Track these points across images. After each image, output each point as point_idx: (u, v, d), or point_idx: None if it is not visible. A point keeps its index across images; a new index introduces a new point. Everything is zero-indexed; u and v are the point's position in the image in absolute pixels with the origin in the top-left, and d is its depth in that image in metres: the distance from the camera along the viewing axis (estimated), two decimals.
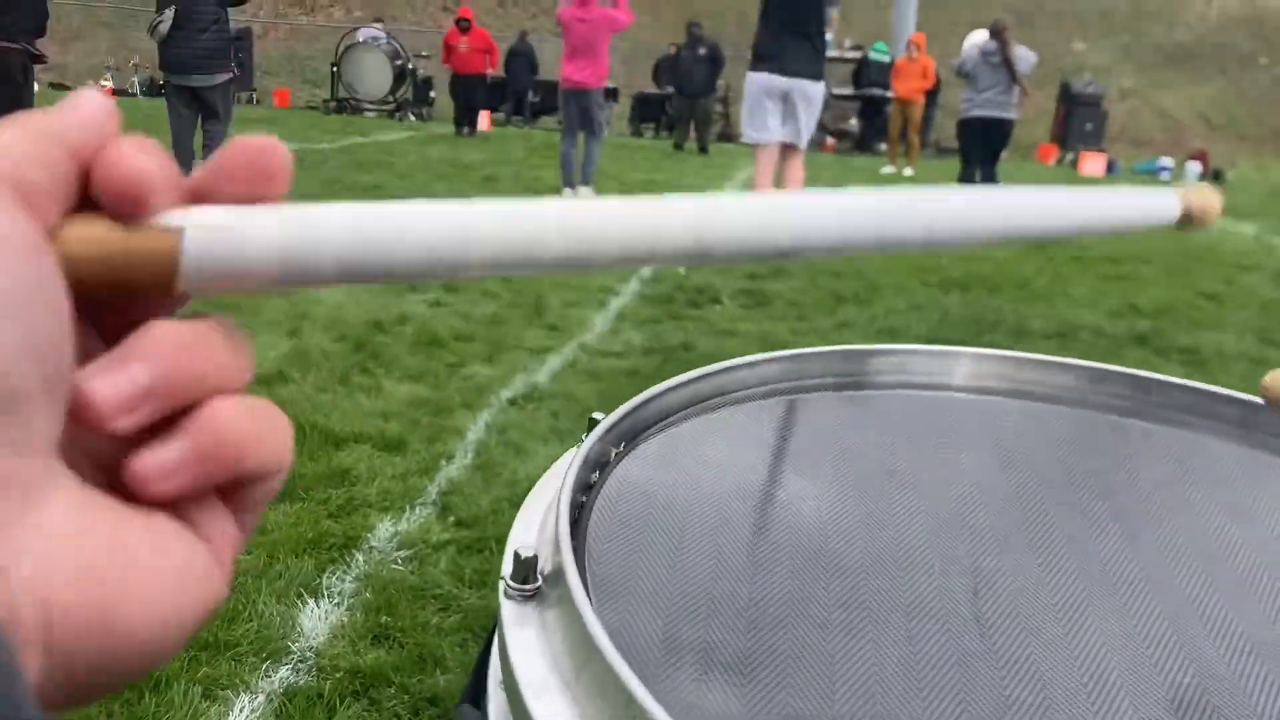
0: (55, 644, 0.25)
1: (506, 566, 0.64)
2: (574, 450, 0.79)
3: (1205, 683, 0.61)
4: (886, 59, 18.06)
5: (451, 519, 2.72)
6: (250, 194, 0.30)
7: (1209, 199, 0.53)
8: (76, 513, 0.26)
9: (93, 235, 0.28)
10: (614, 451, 0.87)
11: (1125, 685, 0.60)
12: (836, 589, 0.70)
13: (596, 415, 0.86)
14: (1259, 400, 1.03)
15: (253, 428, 0.29)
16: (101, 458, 0.29)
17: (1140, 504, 0.87)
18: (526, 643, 0.59)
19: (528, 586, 0.63)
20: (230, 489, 0.30)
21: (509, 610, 0.62)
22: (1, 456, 0.24)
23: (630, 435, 0.91)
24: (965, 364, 1.11)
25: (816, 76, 6.57)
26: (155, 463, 0.28)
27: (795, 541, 0.77)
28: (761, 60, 6.58)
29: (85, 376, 0.27)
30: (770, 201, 0.36)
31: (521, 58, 18.45)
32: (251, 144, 0.30)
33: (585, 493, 0.79)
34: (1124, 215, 0.48)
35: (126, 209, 0.28)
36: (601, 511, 0.77)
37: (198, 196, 0.30)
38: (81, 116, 0.28)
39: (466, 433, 3.32)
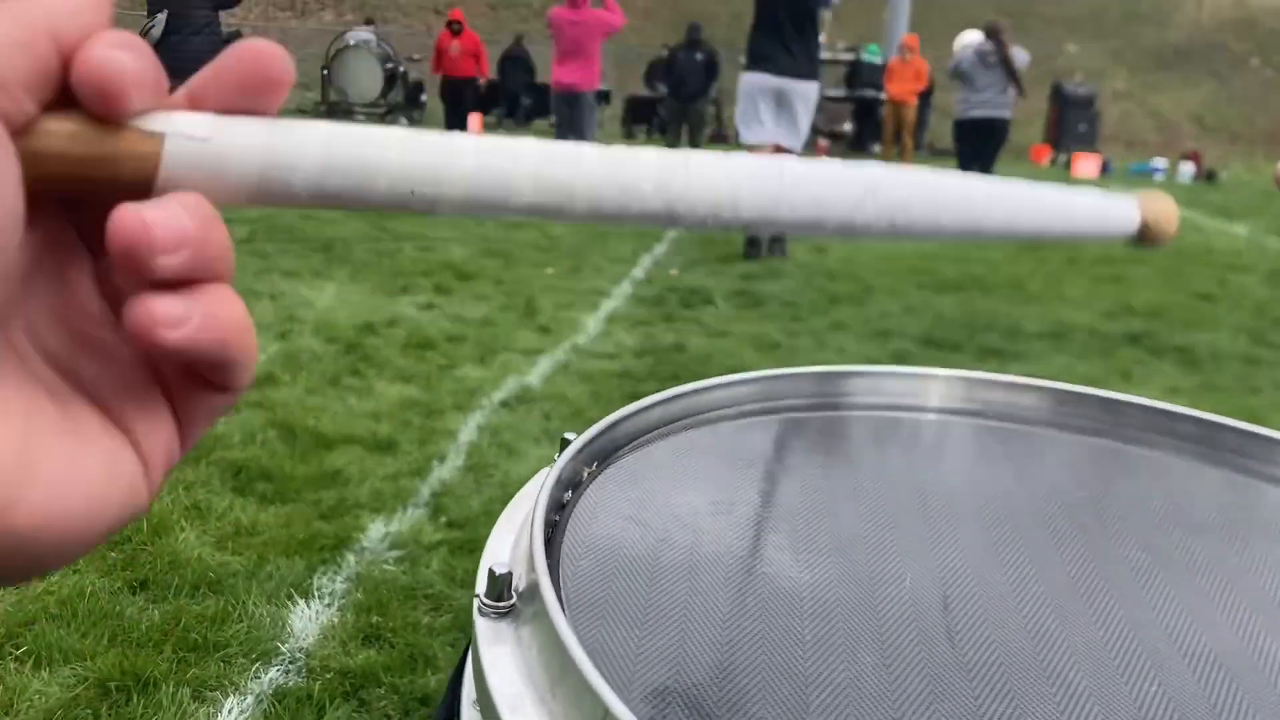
0: None
1: (481, 584, 0.64)
2: (547, 469, 0.80)
3: (1171, 694, 0.61)
4: (879, 61, 18.11)
5: (443, 520, 2.71)
6: (247, 101, 0.29)
7: (1167, 208, 0.52)
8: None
9: (69, 132, 0.27)
10: (586, 471, 0.87)
11: (1093, 695, 0.61)
12: (809, 605, 0.70)
13: (569, 435, 0.86)
14: (1221, 420, 1.04)
15: (246, 323, 0.29)
16: (56, 355, 0.29)
17: (1107, 522, 0.87)
18: (501, 660, 0.59)
19: (502, 604, 0.63)
20: (189, 389, 0.30)
21: (483, 627, 0.62)
22: None
23: (603, 455, 0.91)
24: (936, 386, 1.12)
25: (810, 77, 6.59)
26: (165, 309, 0.27)
27: (768, 560, 0.77)
28: (756, 61, 6.60)
29: (138, 206, 0.27)
30: (735, 165, 0.35)
31: (517, 61, 18.46)
32: (252, 49, 0.30)
33: (559, 511, 0.80)
34: (1082, 218, 0.47)
35: (99, 106, 0.27)
36: (575, 530, 0.77)
37: (193, 101, 0.30)
38: (72, 4, 0.27)
39: (458, 434, 3.31)
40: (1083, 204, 0.46)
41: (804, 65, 6.54)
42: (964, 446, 1.06)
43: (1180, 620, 0.71)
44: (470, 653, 0.63)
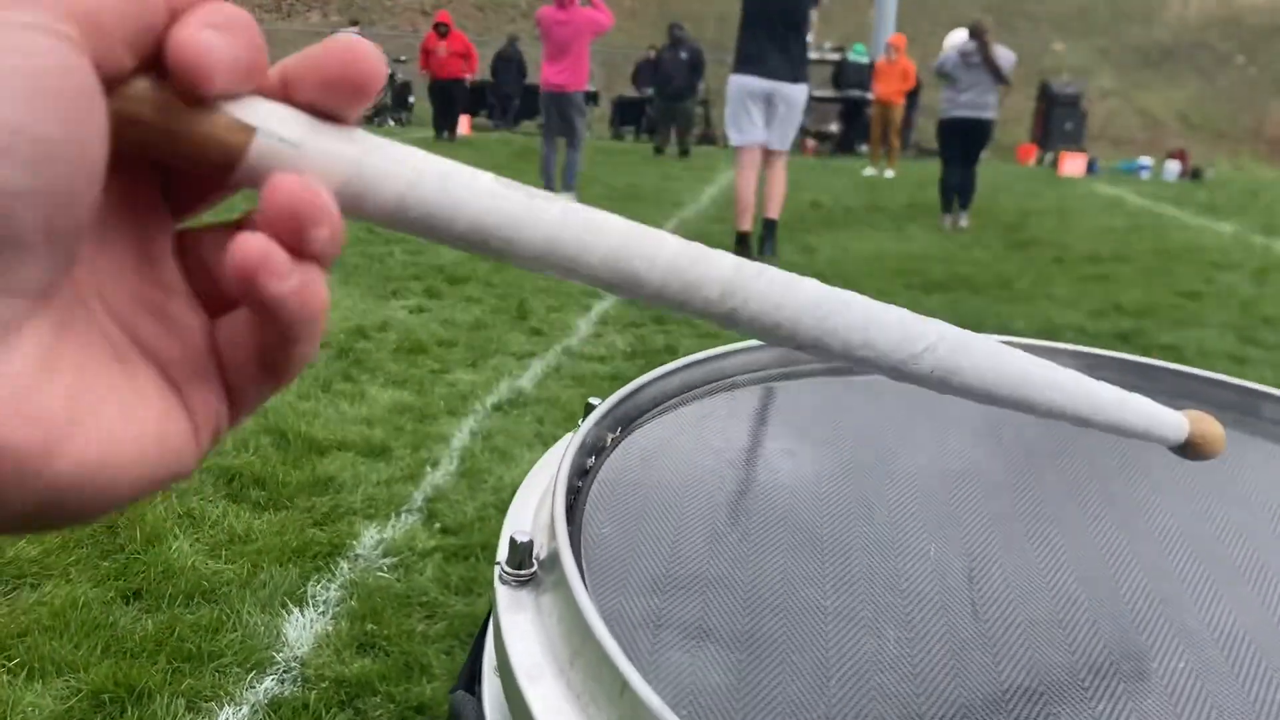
0: None
1: (502, 552, 0.64)
2: (570, 435, 0.79)
3: (1197, 669, 0.61)
4: (865, 60, 18.13)
5: (437, 526, 2.70)
6: (332, 99, 0.29)
7: (1214, 430, 0.56)
8: (40, 355, 0.26)
9: (159, 100, 0.27)
10: (610, 437, 0.87)
11: (1119, 670, 0.61)
12: (831, 572, 0.69)
13: (593, 400, 0.86)
14: (1260, 388, 1.04)
15: (327, 310, 0.30)
16: (122, 312, 0.29)
17: (1133, 488, 0.87)
18: (521, 628, 0.59)
19: (523, 572, 0.63)
20: (244, 368, 0.31)
21: (504, 596, 0.62)
22: None
23: (626, 421, 0.91)
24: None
25: (798, 79, 6.60)
26: (278, 259, 0.27)
27: (790, 526, 0.77)
28: (743, 63, 6.60)
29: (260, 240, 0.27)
30: (808, 291, 0.36)
31: (510, 62, 18.43)
32: (350, 48, 0.29)
33: (581, 478, 0.79)
34: (1133, 418, 0.49)
35: (183, 86, 0.27)
36: (597, 497, 0.77)
37: (285, 85, 0.29)
38: None
39: (451, 439, 3.31)
40: (1135, 406, 0.47)
41: (792, 67, 6.56)
42: (991, 414, 1.05)
43: (1208, 596, 0.70)
44: (491, 620, 0.63)
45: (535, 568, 0.63)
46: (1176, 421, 0.51)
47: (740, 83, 6.61)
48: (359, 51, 0.29)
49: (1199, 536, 0.79)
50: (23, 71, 0.24)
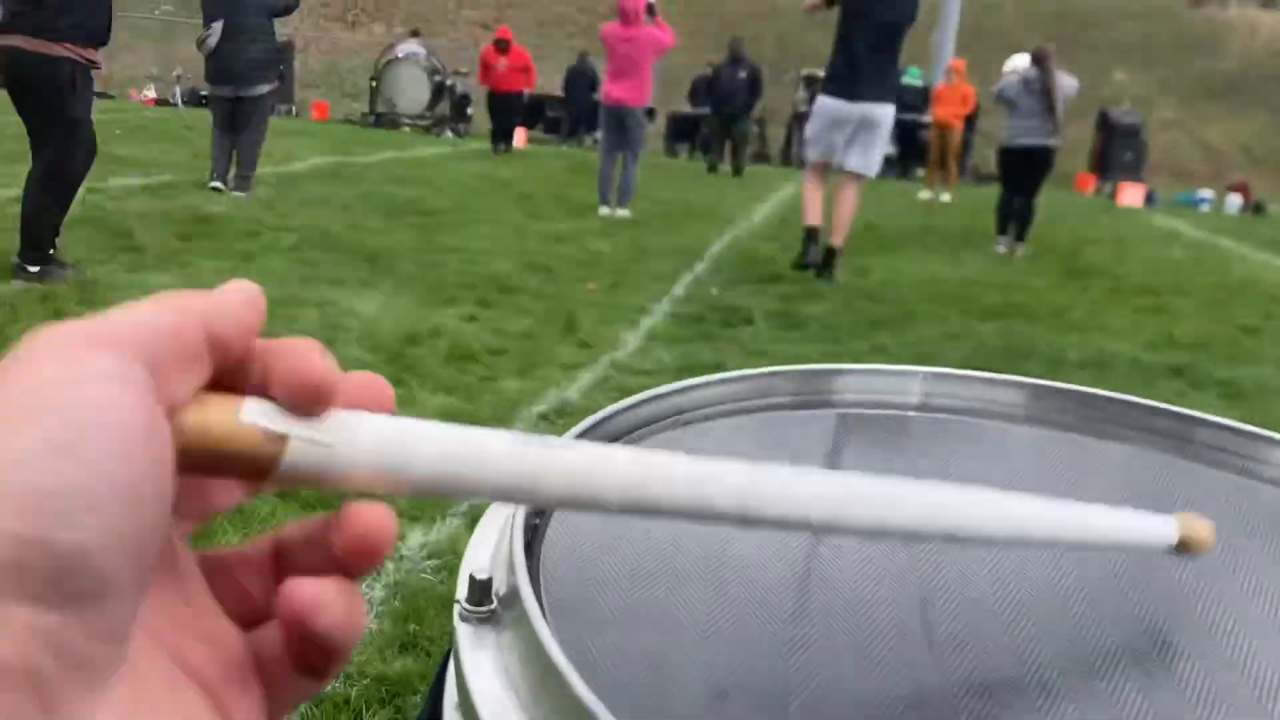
0: None
1: (461, 590, 0.63)
2: None
3: (1147, 690, 0.62)
4: (919, 84, 18.06)
5: None
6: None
7: (1202, 530, 0.61)
8: (130, 701, 0.26)
9: (206, 420, 0.29)
10: None
11: (1070, 694, 0.61)
12: (793, 605, 0.70)
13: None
14: (1194, 413, 1.04)
15: (364, 622, 0.32)
16: (166, 640, 0.30)
17: None
18: (482, 665, 0.59)
19: (482, 609, 0.62)
20: (285, 677, 0.32)
21: (464, 633, 0.61)
22: (87, 641, 0.25)
23: None
24: (920, 383, 1.12)
25: (887, 101, 6.53)
26: (328, 595, 0.30)
27: (754, 559, 0.77)
28: (834, 83, 6.53)
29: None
30: (809, 482, 0.40)
31: (584, 77, 18.52)
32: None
33: (539, 515, 0.78)
34: (1121, 536, 0.55)
35: (306, 405, 0.30)
36: (556, 532, 0.76)
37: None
38: (231, 301, 0.30)
39: None
40: (1124, 524, 0.54)
41: (882, 89, 6.48)
42: (949, 444, 1.05)
43: (1161, 618, 0.71)
44: (452, 658, 0.63)
45: (495, 604, 0.62)
46: (1165, 530, 0.58)
47: (827, 105, 6.55)
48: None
49: (1155, 563, 0.79)
50: (114, 426, 0.25)
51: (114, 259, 5.53)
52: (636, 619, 0.67)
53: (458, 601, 0.63)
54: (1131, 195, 17.10)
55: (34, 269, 4.88)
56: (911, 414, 1.10)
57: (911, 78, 18.22)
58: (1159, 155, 21.74)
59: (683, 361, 4.55)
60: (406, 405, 3.60)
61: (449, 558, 2.56)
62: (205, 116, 7.95)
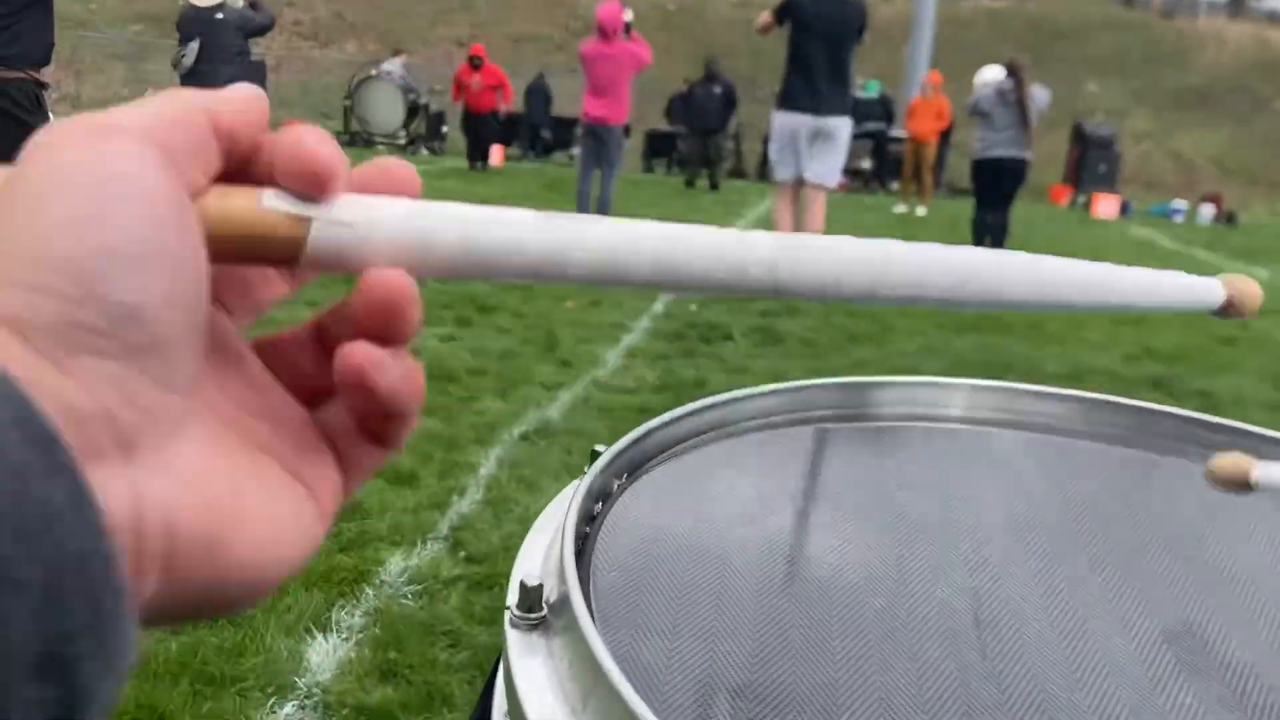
0: (173, 566, 0.27)
1: (512, 596, 0.64)
2: (577, 481, 0.80)
3: (1206, 705, 0.61)
4: (876, 96, 18.23)
5: (462, 554, 2.70)
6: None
7: (1250, 288, 0.55)
8: (206, 451, 0.29)
9: (228, 206, 0.30)
10: (617, 483, 0.88)
11: (1127, 707, 0.61)
12: (841, 617, 0.69)
13: (599, 448, 0.87)
14: (1253, 428, 1.03)
15: (424, 384, 0.34)
16: (229, 419, 0.31)
17: (1141, 533, 0.86)
18: (532, 672, 0.59)
19: (533, 615, 0.63)
20: (354, 445, 0.34)
21: (514, 640, 0.62)
22: (153, 391, 0.27)
23: (633, 467, 0.91)
24: (964, 395, 1.12)
25: (843, 113, 6.63)
26: (381, 357, 0.31)
27: (798, 570, 0.77)
28: (789, 99, 6.62)
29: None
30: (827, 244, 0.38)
31: (538, 93, 18.58)
32: (393, 165, 0.34)
33: (589, 523, 0.80)
34: (1168, 295, 0.51)
35: (310, 189, 0.31)
36: (605, 541, 0.77)
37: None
38: (233, 96, 0.31)
39: (478, 468, 3.31)
40: (1170, 281, 0.49)
41: (837, 102, 6.59)
42: (995, 456, 1.05)
43: (1215, 632, 0.70)
44: (501, 664, 0.63)
45: (545, 611, 0.63)
46: (1212, 288, 0.53)
47: (785, 121, 6.64)
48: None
49: (1210, 578, 0.79)
50: (137, 194, 0.27)
51: None
52: (685, 627, 0.67)
53: (508, 608, 0.64)
54: (1106, 206, 17.21)
55: None
56: (951, 425, 1.10)
57: (869, 91, 18.34)
58: (1132, 166, 21.93)
59: (664, 379, 4.54)
60: None
61: (430, 583, 2.54)
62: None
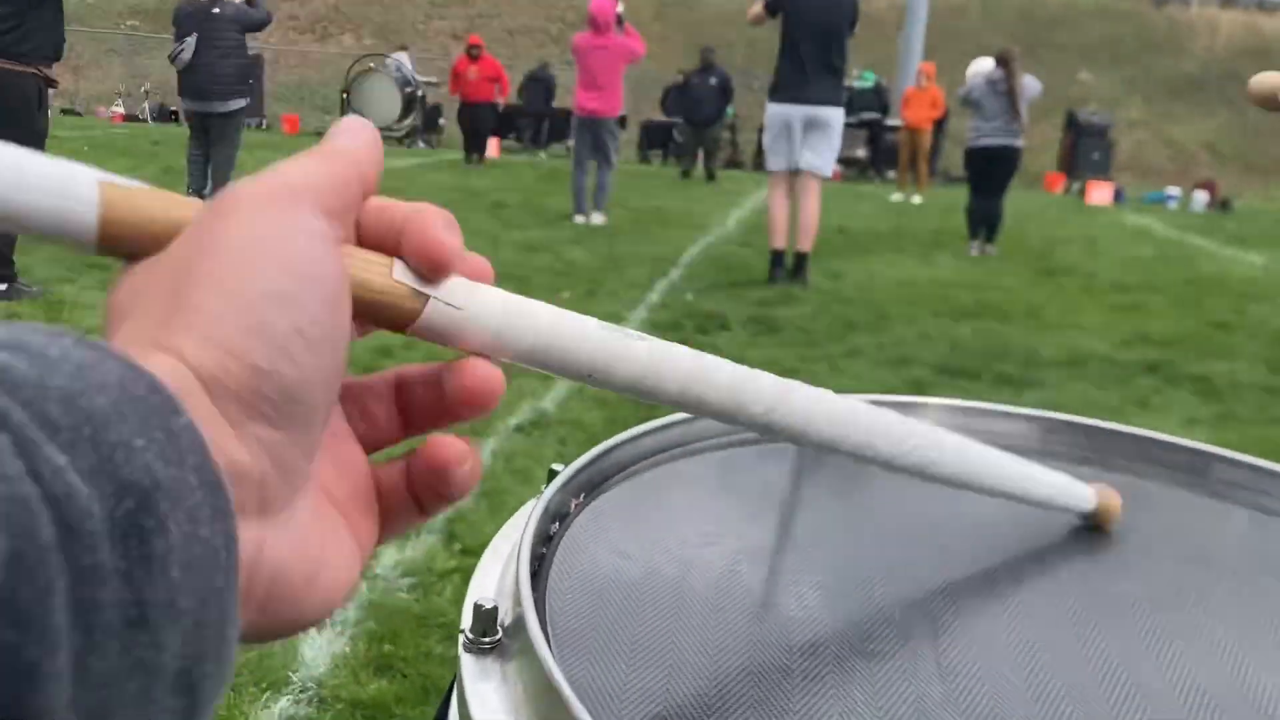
0: (267, 606, 0.30)
1: (466, 619, 0.63)
2: (533, 501, 0.79)
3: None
4: (871, 86, 18.23)
5: (457, 546, 2.70)
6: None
7: (1114, 503, 0.69)
8: (313, 508, 0.33)
9: (368, 276, 0.33)
10: (574, 502, 0.86)
11: None
12: (797, 636, 0.69)
13: (556, 466, 0.86)
14: (1206, 448, 1.03)
15: (479, 473, 0.37)
16: (325, 454, 0.34)
17: (1103, 555, 0.86)
18: (486, 696, 0.58)
19: (487, 639, 0.62)
20: (399, 504, 0.37)
21: (468, 663, 0.61)
22: (299, 460, 0.31)
23: (591, 486, 0.90)
24: (927, 415, 1.11)
25: (835, 103, 6.63)
26: (462, 452, 0.36)
27: (757, 592, 0.76)
28: (782, 90, 6.62)
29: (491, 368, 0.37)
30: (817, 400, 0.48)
31: (539, 84, 18.54)
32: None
33: (545, 544, 0.78)
34: (1041, 493, 0.64)
35: (431, 272, 0.34)
36: (562, 563, 0.76)
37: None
38: (364, 143, 0.34)
39: None
40: (1045, 480, 0.61)
41: (830, 92, 6.58)
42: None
43: (1174, 655, 0.70)
44: (455, 688, 0.62)
45: (500, 634, 0.62)
46: (1083, 495, 0.63)
47: (778, 112, 6.63)
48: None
49: (1157, 600, 0.78)
50: (323, 276, 0.31)
51: (81, 277, 5.48)
52: (643, 649, 0.66)
53: (462, 631, 0.63)
54: (1100, 194, 17.21)
55: (3, 286, 4.91)
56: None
57: (864, 81, 18.33)
58: (1126, 154, 21.93)
59: None
60: None
61: (424, 575, 2.53)
62: (174, 132, 7.91)
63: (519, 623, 0.60)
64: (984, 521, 0.91)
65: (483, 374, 0.36)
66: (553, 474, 0.84)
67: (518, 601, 0.62)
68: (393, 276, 0.33)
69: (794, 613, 0.73)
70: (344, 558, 0.34)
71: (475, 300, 0.35)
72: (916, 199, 14.34)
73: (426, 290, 0.34)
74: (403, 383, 0.38)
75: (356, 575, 0.35)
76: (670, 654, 0.66)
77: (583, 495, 0.88)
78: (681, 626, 0.69)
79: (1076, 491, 0.61)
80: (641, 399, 0.40)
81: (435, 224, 0.34)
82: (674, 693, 0.62)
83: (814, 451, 0.45)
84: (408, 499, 0.37)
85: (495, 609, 0.62)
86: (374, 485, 0.36)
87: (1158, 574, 0.83)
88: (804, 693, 0.62)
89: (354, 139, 0.34)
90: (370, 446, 0.37)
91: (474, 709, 0.57)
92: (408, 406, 0.38)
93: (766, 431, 0.43)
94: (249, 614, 0.29)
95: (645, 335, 0.40)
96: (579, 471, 0.86)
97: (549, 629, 0.66)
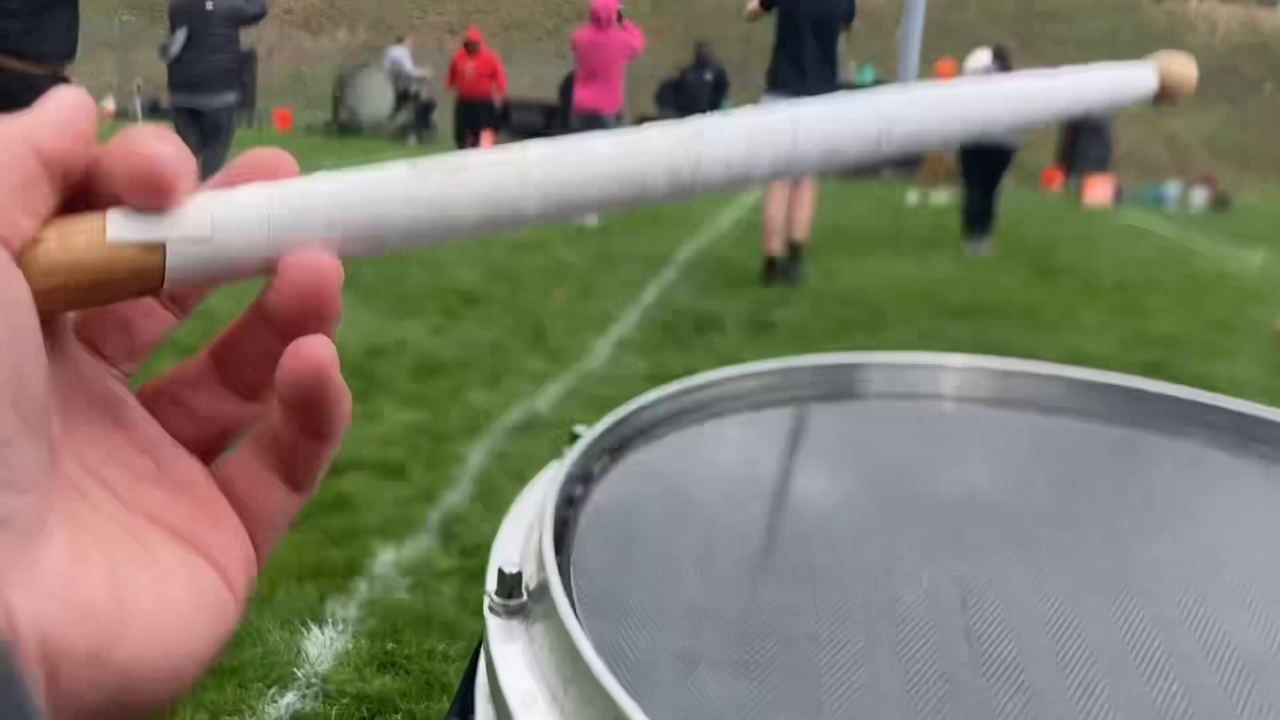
0: (58, 682, 0.24)
1: (491, 582, 0.63)
2: (556, 463, 0.78)
3: (1190, 692, 0.60)
4: (871, 81, 18.23)
5: (455, 547, 2.69)
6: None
7: (1185, 67, 0.53)
8: (73, 553, 0.25)
9: (71, 248, 0.26)
10: (597, 465, 0.86)
11: (1111, 693, 0.59)
12: (825, 600, 0.68)
13: (578, 429, 0.85)
14: (1251, 409, 1.01)
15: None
16: (117, 487, 0.28)
17: (1131, 515, 0.85)
18: (513, 658, 0.59)
19: (512, 602, 0.62)
20: (262, 491, 0.31)
21: (494, 626, 0.61)
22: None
23: (614, 448, 0.89)
24: (954, 375, 1.10)
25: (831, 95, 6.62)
26: (330, 349, 0.29)
27: (782, 553, 0.76)
28: (776, 84, 6.60)
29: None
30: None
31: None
32: (262, 158, 0.30)
33: (569, 507, 0.78)
34: (1100, 91, 0.48)
35: (153, 199, 0.27)
36: (586, 525, 0.76)
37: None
38: (57, 118, 0.27)
39: (468, 460, 3.29)
40: (1098, 81, 0.47)
41: (825, 86, 6.57)
42: (984, 437, 1.03)
43: (1202, 617, 0.69)
44: (482, 651, 0.63)
45: (525, 598, 0.62)
46: (1144, 76, 0.50)
47: (773, 103, 6.63)
48: (275, 160, 0.30)
49: (1195, 561, 0.77)
50: None
51: None
52: (667, 612, 0.66)
53: (486, 594, 0.63)
54: (1099, 191, 17.18)
55: None
56: (940, 403, 1.08)
57: (865, 77, 18.33)
58: (1125, 150, 21.92)
59: (655, 369, 4.51)
60: (371, 420, 3.55)
61: (424, 575, 2.53)
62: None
63: (543, 586, 0.61)
64: (1015, 483, 0.90)
65: (300, 264, 0.28)
66: (575, 437, 0.83)
67: (542, 565, 0.62)
68: (108, 237, 0.27)
69: (820, 575, 0.72)
70: (181, 595, 0.28)
71: (226, 217, 0.28)
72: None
73: (155, 236, 0.27)
74: (221, 354, 0.32)
75: (223, 609, 0.29)
76: (695, 614, 0.66)
77: (606, 457, 0.87)
78: (706, 590, 0.69)
79: (1135, 77, 0.49)
80: (507, 229, 0.31)
81: (134, 141, 0.27)
82: (698, 652, 0.62)
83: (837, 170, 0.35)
84: (273, 484, 0.31)
85: (519, 573, 0.62)
86: (226, 491, 0.31)
87: (1192, 539, 0.82)
88: (830, 654, 0.62)
89: (36, 108, 0.28)
90: (210, 445, 0.32)
91: (500, 669, 0.58)
92: (237, 371, 0.32)
93: (687, 195, 0.32)
94: (43, 695, 0.24)
95: (471, 155, 0.31)
96: (602, 434, 0.86)
97: (573, 590, 0.66)
